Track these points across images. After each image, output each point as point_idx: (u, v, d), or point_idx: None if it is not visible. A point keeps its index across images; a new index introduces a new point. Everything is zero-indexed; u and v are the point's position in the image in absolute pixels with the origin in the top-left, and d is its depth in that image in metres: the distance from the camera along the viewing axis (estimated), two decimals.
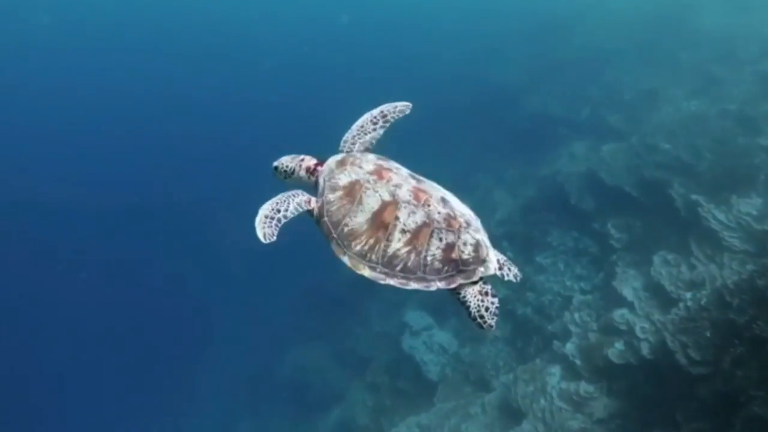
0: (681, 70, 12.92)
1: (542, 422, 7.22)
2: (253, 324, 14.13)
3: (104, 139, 22.50)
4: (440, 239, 2.13)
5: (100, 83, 24.83)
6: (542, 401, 7.43)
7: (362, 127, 2.49)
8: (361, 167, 2.28)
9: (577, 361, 7.53)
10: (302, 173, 2.45)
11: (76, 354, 15.57)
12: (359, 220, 2.18)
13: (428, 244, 2.12)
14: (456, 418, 8.40)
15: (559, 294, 9.26)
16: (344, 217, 2.20)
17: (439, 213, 2.16)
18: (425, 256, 2.12)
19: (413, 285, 2.13)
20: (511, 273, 2.25)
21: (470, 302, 2.14)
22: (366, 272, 2.17)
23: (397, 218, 2.14)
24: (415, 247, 2.13)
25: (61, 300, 16.89)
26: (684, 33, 14.34)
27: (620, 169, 9.49)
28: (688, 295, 6.74)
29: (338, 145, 2.51)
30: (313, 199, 2.36)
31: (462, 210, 2.25)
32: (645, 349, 6.74)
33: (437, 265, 2.12)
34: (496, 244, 2.28)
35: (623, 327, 7.30)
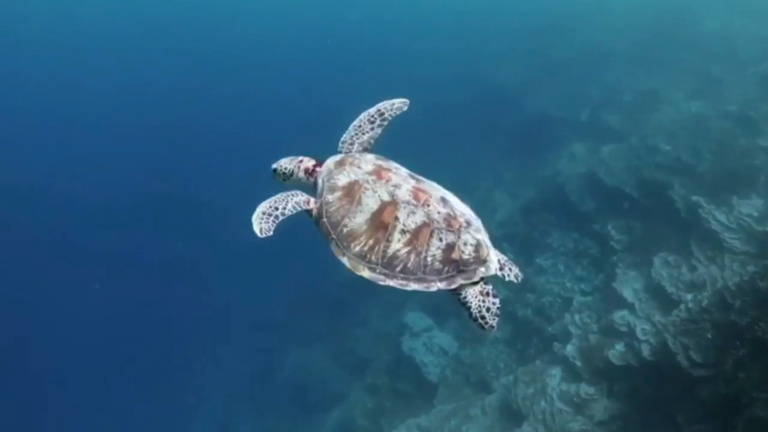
0: (681, 71, 12.92)
1: (543, 424, 7.20)
2: (253, 325, 14.11)
3: (104, 136, 22.51)
4: (440, 239, 2.11)
5: (111, 81, 24.88)
6: (543, 403, 7.40)
7: (360, 126, 2.47)
8: (360, 167, 2.26)
9: (578, 363, 7.51)
10: (301, 174, 2.44)
11: (75, 355, 15.54)
12: (358, 220, 2.16)
13: (428, 245, 2.10)
14: (456, 419, 8.37)
15: (560, 295, 9.24)
16: (343, 217, 2.19)
17: (438, 213, 2.14)
18: (425, 257, 2.10)
19: (413, 286, 2.11)
20: (512, 273, 2.23)
21: (471, 303, 2.12)
22: (365, 273, 2.15)
23: (396, 218, 2.12)
24: (414, 248, 2.11)
25: (61, 300, 16.87)
26: (684, 34, 14.34)
27: (620, 170, 9.48)
28: (689, 296, 6.73)
29: (337, 145, 2.49)
30: (312, 199, 2.35)
31: (462, 210, 2.23)
32: (646, 351, 6.72)
33: (437, 265, 2.10)
34: (496, 245, 2.26)
35: (624, 328, 7.28)
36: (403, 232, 2.11)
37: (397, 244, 2.11)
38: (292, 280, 13.75)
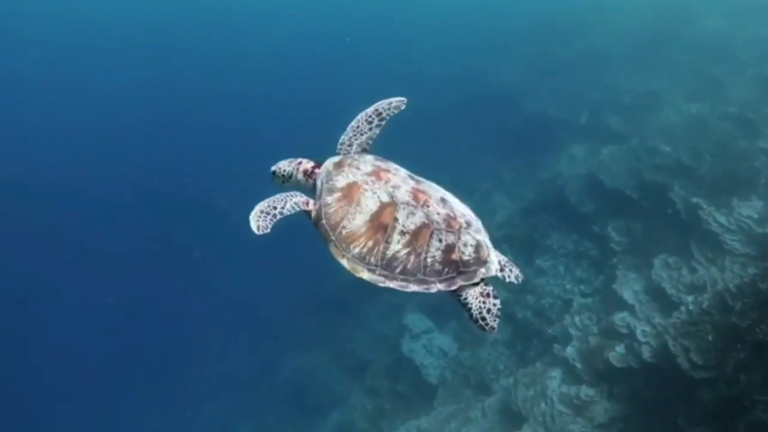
0: (681, 72, 12.93)
1: (543, 426, 7.17)
2: (252, 327, 14.07)
3: (108, 135, 22.53)
4: (440, 240, 2.09)
5: (116, 80, 24.93)
6: (543, 405, 7.38)
7: (357, 127, 2.45)
8: (358, 168, 2.25)
9: (578, 365, 7.49)
10: (300, 176, 2.44)
11: (74, 356, 15.50)
12: (357, 222, 2.15)
13: (428, 246, 2.09)
14: (456, 422, 8.34)
15: (560, 297, 9.22)
16: (342, 219, 2.17)
17: (438, 214, 2.13)
18: (425, 258, 2.09)
19: (413, 287, 2.10)
20: (513, 274, 2.22)
21: (471, 304, 2.11)
22: (365, 275, 2.13)
23: (395, 219, 2.11)
24: (414, 249, 2.09)
25: (61, 301, 16.86)
26: (684, 35, 14.36)
27: (620, 172, 9.47)
28: (690, 298, 6.71)
29: (335, 146, 2.48)
30: (311, 200, 2.34)
31: (462, 210, 2.22)
32: (646, 353, 6.70)
33: (437, 266, 2.08)
34: (495, 246, 2.24)
35: (624, 330, 7.26)
36: (402, 233, 2.10)
37: (397, 246, 2.10)
38: (291, 281, 13.72)
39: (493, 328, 2.10)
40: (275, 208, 2.27)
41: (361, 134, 2.45)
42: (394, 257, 2.10)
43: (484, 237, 2.18)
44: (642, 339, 6.89)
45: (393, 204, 2.13)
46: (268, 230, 2.22)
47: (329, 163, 2.36)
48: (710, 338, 5.76)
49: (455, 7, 27.01)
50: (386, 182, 2.18)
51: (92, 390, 14.61)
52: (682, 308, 6.54)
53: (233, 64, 27.00)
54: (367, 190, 2.17)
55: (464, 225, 2.14)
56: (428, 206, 2.13)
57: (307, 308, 13.04)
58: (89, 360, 15.28)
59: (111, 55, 27.14)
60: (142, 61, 26.85)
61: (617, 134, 11.26)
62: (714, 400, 5.34)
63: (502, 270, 2.19)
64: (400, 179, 2.22)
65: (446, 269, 2.09)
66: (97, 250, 17.99)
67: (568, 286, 9.31)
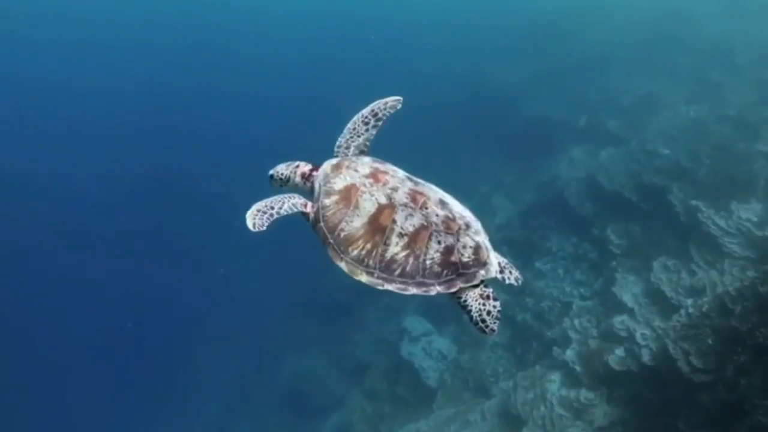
0: (680, 75, 12.97)
1: (542, 429, 7.14)
2: (251, 330, 14.03)
3: (113, 134, 22.58)
4: (439, 242, 2.08)
5: (123, 79, 24.99)
6: (542, 408, 7.35)
7: (354, 129, 2.44)
8: (356, 171, 2.24)
9: (577, 368, 7.46)
10: (298, 180, 2.44)
11: (72, 357, 15.45)
12: (356, 224, 2.13)
13: (427, 248, 2.07)
14: (455, 425, 8.31)
15: (559, 300, 9.20)
16: (340, 221, 2.16)
17: (437, 215, 2.11)
18: (424, 260, 2.07)
19: (412, 290, 2.09)
20: (512, 276, 2.20)
21: (471, 306, 2.09)
22: (363, 278, 2.12)
23: (394, 222, 2.09)
24: (413, 251, 2.08)
25: (60, 302, 16.81)
26: (683, 39, 14.41)
27: (619, 175, 9.47)
28: (689, 301, 6.69)
29: (333, 148, 2.47)
30: (310, 203, 2.33)
31: (461, 212, 2.20)
32: (646, 356, 6.68)
33: (436, 268, 2.07)
34: (495, 249, 2.23)
35: (623, 333, 7.24)
36: (401, 235, 2.08)
37: (395, 248, 2.08)
38: (290, 284, 13.68)
39: (493, 330, 2.08)
40: (272, 207, 2.26)
41: (358, 136, 2.44)
42: (392, 260, 2.08)
43: (483, 238, 2.17)
44: (642, 342, 6.87)
45: (391, 206, 2.11)
46: (264, 228, 2.21)
47: (327, 165, 2.35)
48: (710, 341, 5.74)
49: (455, 8, 27.07)
50: (384, 184, 2.17)
51: (87, 394, 14.54)
52: (682, 311, 6.52)
53: (233, 64, 27.06)
54: (365, 193, 2.15)
55: (463, 226, 2.12)
56: (427, 208, 2.12)
57: (306, 311, 13.01)
58: (84, 364, 15.22)
59: (112, 54, 27.20)
60: (141, 61, 26.89)
61: (616, 137, 11.27)
62: (714, 404, 5.32)
63: (501, 272, 2.17)
64: (398, 181, 2.20)
65: (445, 271, 2.07)
66: (96, 250, 17.97)
67: (568, 289, 9.30)
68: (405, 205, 2.11)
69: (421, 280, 2.08)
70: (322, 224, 2.20)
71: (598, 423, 6.80)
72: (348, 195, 2.18)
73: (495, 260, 2.16)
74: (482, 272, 2.10)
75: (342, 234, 2.15)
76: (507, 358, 9.14)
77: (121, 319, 15.84)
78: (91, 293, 16.81)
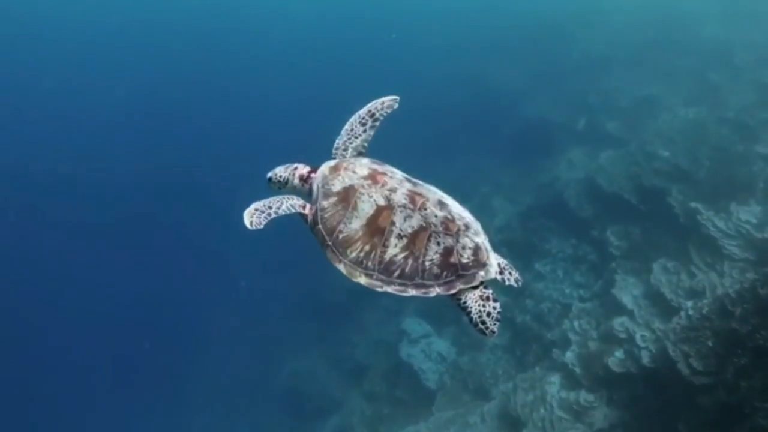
0: (679, 77, 12.97)
1: (542, 431, 7.12)
2: (250, 332, 14.00)
3: (119, 133, 22.61)
4: (438, 243, 2.07)
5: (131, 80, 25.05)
6: (542, 410, 7.33)
7: (351, 130, 2.44)
8: (355, 172, 2.23)
9: (577, 370, 7.45)
10: (296, 182, 2.43)
11: (71, 357, 15.41)
12: (354, 226, 2.13)
13: (426, 249, 2.06)
14: (455, 427, 8.29)
15: (558, 301, 9.19)
16: (339, 223, 2.15)
17: (436, 216, 2.10)
18: (423, 262, 2.06)
19: (411, 292, 2.08)
20: (512, 277, 2.19)
21: (471, 308, 2.08)
22: (362, 280, 2.11)
23: (392, 223, 2.08)
24: (412, 253, 2.07)
25: (59, 302, 16.79)
26: (682, 41, 14.41)
27: (619, 176, 9.47)
28: (689, 303, 6.68)
29: (331, 151, 2.47)
30: (308, 205, 2.32)
31: (461, 213, 2.19)
32: (645, 358, 6.66)
33: (436, 270, 2.06)
34: (494, 250, 2.21)
35: (623, 335, 7.23)
36: (399, 236, 2.07)
37: (394, 249, 2.07)
38: (289, 286, 13.67)
39: (493, 332, 2.07)
40: (270, 207, 2.27)
41: (356, 137, 2.43)
42: (391, 261, 2.07)
43: (483, 239, 2.16)
44: (641, 344, 6.86)
45: (390, 207, 2.11)
46: (261, 227, 2.21)
47: (325, 167, 2.34)
48: (710, 344, 5.73)
49: (454, 9, 27.11)
50: (383, 185, 2.16)
51: (86, 396, 14.50)
52: (682, 313, 6.51)
53: (232, 64, 27.08)
54: (363, 194, 2.15)
55: (462, 227, 2.11)
56: (426, 209, 2.11)
57: (305, 313, 12.99)
58: (82, 366, 15.18)
59: (115, 55, 27.25)
60: (142, 61, 26.92)
61: (616, 139, 11.27)
62: (714, 407, 5.31)
63: (501, 273, 2.16)
64: (396, 182, 2.19)
65: (445, 272, 2.06)
66: (97, 250, 17.95)
67: (567, 291, 9.29)
68: (404, 206, 2.10)
69: (420, 281, 2.07)
70: (320, 226, 2.19)
71: (598, 425, 6.78)
72: (346, 197, 2.17)
73: (495, 261, 2.15)
74: (482, 273, 2.08)
75: (340, 236, 2.14)
76: (506, 359, 9.13)
77: (121, 319, 15.82)
78: (91, 293, 16.78)
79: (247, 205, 2.28)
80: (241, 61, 27.56)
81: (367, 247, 2.10)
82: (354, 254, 2.11)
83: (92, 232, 18.63)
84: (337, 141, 2.45)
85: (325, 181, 2.26)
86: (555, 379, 7.65)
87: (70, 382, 14.89)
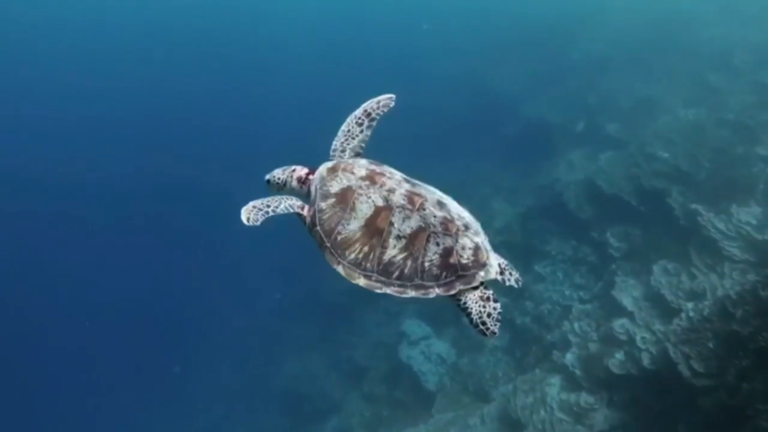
0: (678, 78, 12.97)
1: None
2: (249, 334, 13.97)
3: (126, 133, 22.62)
4: (437, 244, 2.05)
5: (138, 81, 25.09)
6: (542, 412, 7.30)
7: (349, 131, 2.43)
8: (353, 173, 2.22)
9: (577, 372, 7.42)
10: (294, 184, 2.43)
11: (70, 358, 15.38)
12: (352, 227, 2.11)
13: (425, 250, 2.04)
14: (455, 429, 8.26)
15: (558, 303, 9.17)
16: (337, 224, 2.13)
17: (435, 217, 2.09)
18: (422, 262, 2.04)
19: (411, 293, 2.06)
20: (512, 278, 2.17)
21: (471, 308, 2.06)
22: (361, 281, 2.09)
23: (391, 224, 2.07)
24: (411, 254, 2.05)
25: (59, 302, 16.77)
26: (681, 42, 14.42)
27: (619, 178, 9.46)
28: (690, 305, 6.66)
29: (329, 153, 2.46)
30: (306, 206, 2.31)
31: (460, 213, 2.18)
32: (646, 360, 6.64)
33: (435, 270, 2.04)
34: (494, 251, 2.20)
35: (623, 337, 7.21)
36: (398, 237, 2.06)
37: (393, 250, 2.06)
38: (288, 287, 13.65)
39: (493, 332, 2.05)
40: (268, 206, 2.26)
41: (353, 137, 2.41)
42: (390, 262, 2.05)
43: (482, 239, 2.14)
44: (642, 346, 6.83)
45: (388, 208, 2.09)
46: (258, 223, 2.21)
47: (323, 168, 2.33)
48: (711, 345, 5.71)
49: (454, 10, 27.15)
50: (381, 186, 2.15)
51: (84, 398, 14.47)
52: (682, 315, 6.49)
53: (232, 64, 27.11)
54: (361, 195, 2.13)
55: (462, 227, 2.10)
56: (424, 209, 2.09)
57: (304, 315, 12.96)
58: (81, 367, 15.15)
59: (115, 55, 27.30)
60: (142, 62, 26.96)
61: (615, 140, 11.26)
62: (715, 409, 5.28)
63: (501, 273, 2.15)
64: (395, 183, 2.18)
65: (444, 273, 2.04)
66: (98, 250, 17.94)
67: (567, 292, 9.27)
68: (402, 206, 2.09)
69: (419, 282, 2.05)
70: (318, 228, 2.18)
71: (599, 427, 6.75)
72: (344, 198, 2.16)
73: (495, 261, 2.14)
74: (482, 274, 2.07)
75: (339, 237, 2.12)
76: (506, 361, 9.10)
77: (122, 320, 15.80)
78: (91, 294, 16.75)
79: (246, 204, 2.29)
80: (241, 62, 27.59)
81: (365, 249, 2.08)
82: (353, 255, 2.09)
83: (92, 232, 18.63)
84: (334, 142, 2.43)
85: (323, 182, 2.25)
86: (555, 380, 7.62)
87: (70, 382, 14.87)
